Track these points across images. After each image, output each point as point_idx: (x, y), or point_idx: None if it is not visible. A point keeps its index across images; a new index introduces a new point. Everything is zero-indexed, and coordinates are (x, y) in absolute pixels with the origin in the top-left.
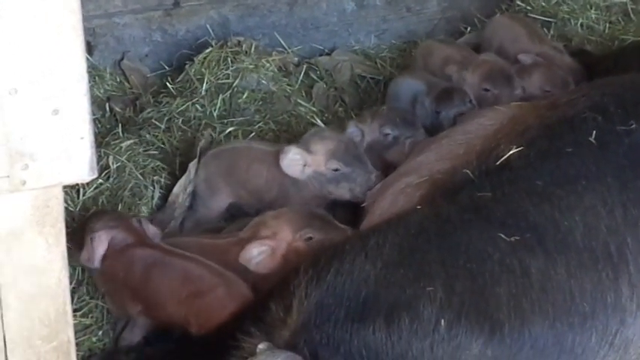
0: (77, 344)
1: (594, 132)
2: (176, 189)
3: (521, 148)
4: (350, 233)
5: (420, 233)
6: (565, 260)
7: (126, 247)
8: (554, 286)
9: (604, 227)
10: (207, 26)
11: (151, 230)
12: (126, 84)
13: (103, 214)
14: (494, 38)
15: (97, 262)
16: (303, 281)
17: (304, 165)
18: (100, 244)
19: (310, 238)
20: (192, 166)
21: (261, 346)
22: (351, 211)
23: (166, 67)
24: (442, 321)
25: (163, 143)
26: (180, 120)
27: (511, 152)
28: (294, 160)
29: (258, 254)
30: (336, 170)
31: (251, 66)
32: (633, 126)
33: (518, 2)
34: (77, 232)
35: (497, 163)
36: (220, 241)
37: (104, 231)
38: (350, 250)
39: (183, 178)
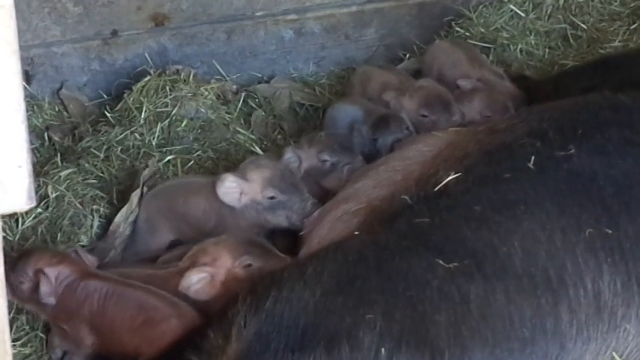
0: None
1: (533, 157)
2: (118, 218)
3: (460, 174)
4: (288, 261)
5: (358, 261)
6: (504, 286)
7: (75, 281)
8: (494, 313)
9: (543, 252)
10: (146, 55)
11: (90, 259)
12: (64, 113)
13: (41, 252)
14: (434, 63)
15: (53, 299)
16: (241, 309)
17: (241, 193)
18: (48, 281)
19: (249, 265)
20: (134, 195)
21: None
22: (290, 239)
23: (105, 96)
24: (382, 349)
25: (102, 172)
26: (119, 149)
27: (449, 178)
28: (231, 188)
29: (197, 281)
30: (272, 198)
31: (189, 94)
32: (572, 151)
33: (457, 28)
34: (13, 272)
35: (436, 189)
36: (161, 271)
37: (50, 268)
38: (288, 278)
39: (125, 207)
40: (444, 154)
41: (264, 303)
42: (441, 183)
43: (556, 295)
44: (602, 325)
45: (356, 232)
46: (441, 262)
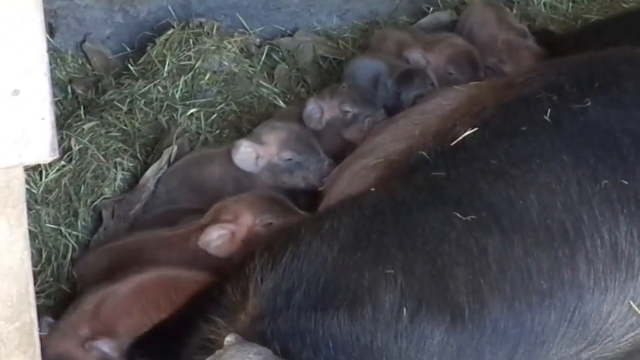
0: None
1: (549, 110)
2: (148, 173)
3: (477, 128)
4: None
5: (375, 215)
6: (521, 239)
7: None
8: (512, 266)
9: (559, 204)
10: (169, 7)
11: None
12: (88, 66)
13: (57, 338)
14: (467, 21)
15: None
16: (258, 264)
17: (257, 157)
18: (101, 345)
19: (270, 224)
20: (165, 153)
21: (228, 338)
22: (310, 196)
23: (128, 49)
24: (404, 309)
25: (125, 125)
26: (142, 102)
27: (467, 133)
28: (247, 154)
29: (217, 237)
30: (290, 160)
31: (213, 47)
32: (588, 104)
33: None
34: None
35: (453, 143)
36: (181, 230)
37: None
38: (305, 233)
39: (157, 163)
40: (462, 108)
41: (281, 258)
42: (458, 137)
43: (573, 247)
44: (620, 274)
45: (372, 187)
46: (458, 215)
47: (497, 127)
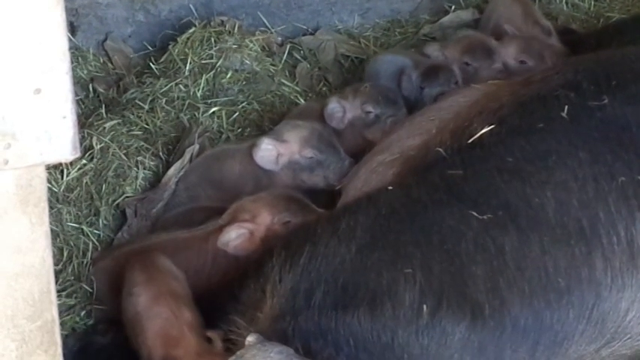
0: (61, 324)
1: (566, 107)
2: (170, 171)
3: (494, 125)
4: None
5: (391, 214)
6: (538, 237)
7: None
8: (529, 264)
9: (576, 202)
10: (191, 6)
11: None
12: (109, 65)
13: None
14: (492, 15)
15: None
16: (276, 264)
17: (277, 155)
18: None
19: (288, 222)
20: (187, 152)
21: (250, 338)
22: (329, 194)
23: (150, 48)
24: (424, 307)
25: (147, 124)
26: (164, 100)
27: (483, 130)
28: (268, 151)
29: (236, 237)
30: (311, 158)
31: (234, 46)
32: (605, 101)
33: None
34: None
35: (469, 141)
36: (199, 231)
37: None
38: (322, 233)
39: (178, 162)
40: (479, 105)
41: (299, 259)
42: (475, 135)
43: (590, 244)
44: (637, 271)
45: (389, 184)
46: (474, 213)
47: (514, 124)
